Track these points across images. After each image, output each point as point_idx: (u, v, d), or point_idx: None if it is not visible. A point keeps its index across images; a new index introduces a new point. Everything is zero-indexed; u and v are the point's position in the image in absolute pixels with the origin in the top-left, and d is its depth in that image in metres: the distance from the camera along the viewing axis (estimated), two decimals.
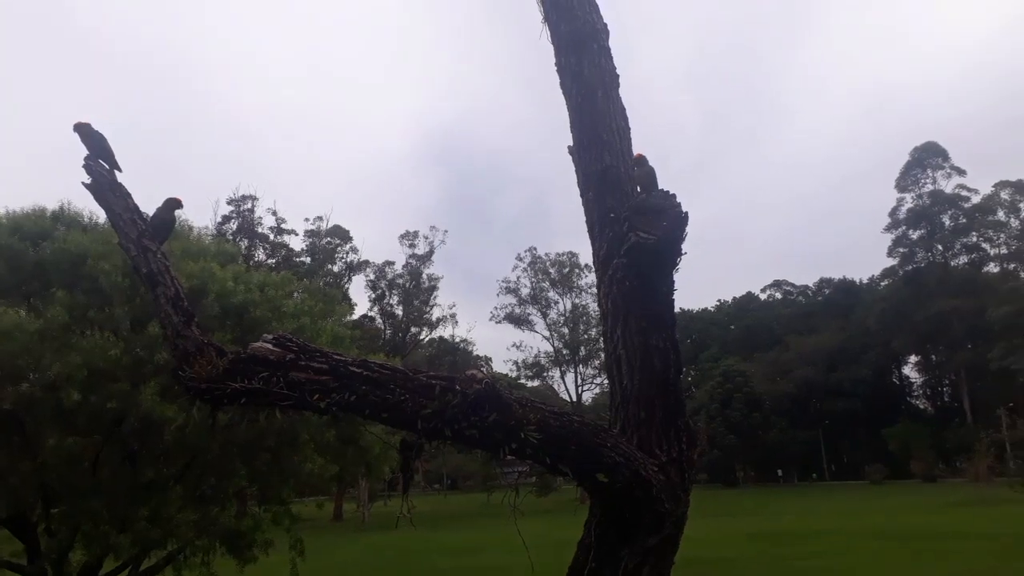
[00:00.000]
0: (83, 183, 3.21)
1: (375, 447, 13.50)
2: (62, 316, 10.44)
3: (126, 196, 3.20)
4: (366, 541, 35.21)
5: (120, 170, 3.25)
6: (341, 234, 60.82)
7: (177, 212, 3.51)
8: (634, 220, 3.28)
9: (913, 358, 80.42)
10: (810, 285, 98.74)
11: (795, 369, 77.41)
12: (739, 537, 25.15)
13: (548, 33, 3.95)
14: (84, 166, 3.19)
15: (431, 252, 63.31)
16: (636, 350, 3.60)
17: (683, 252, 3.40)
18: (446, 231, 70.39)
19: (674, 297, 3.59)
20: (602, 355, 64.29)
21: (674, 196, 3.36)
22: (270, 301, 12.16)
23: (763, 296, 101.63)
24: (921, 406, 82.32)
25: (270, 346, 3.08)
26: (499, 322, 68.66)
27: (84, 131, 3.17)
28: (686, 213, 3.31)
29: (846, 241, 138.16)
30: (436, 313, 63.77)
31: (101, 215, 12.95)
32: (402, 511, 3.53)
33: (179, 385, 3.01)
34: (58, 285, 11.12)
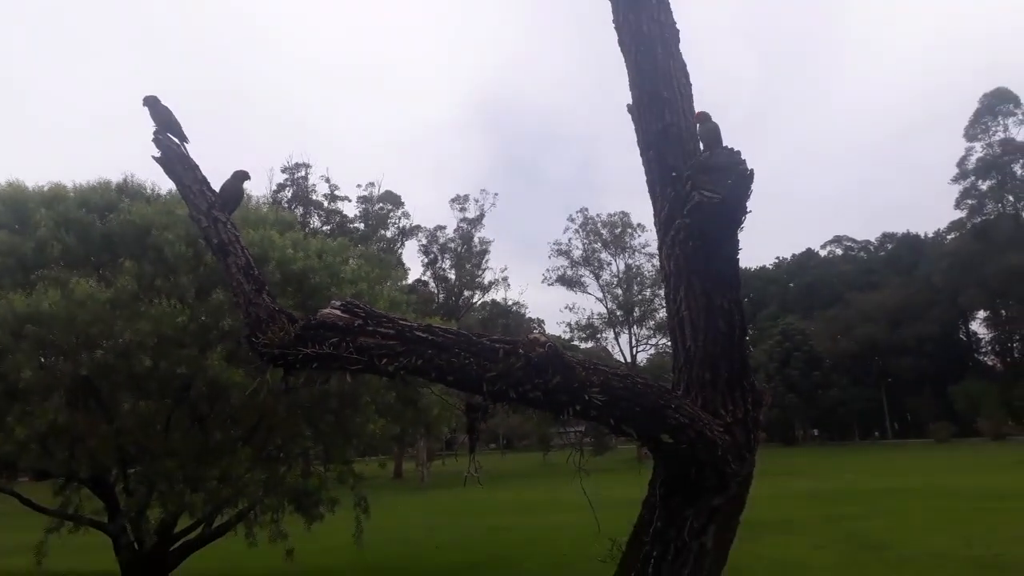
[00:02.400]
0: (153, 157, 3.28)
1: (433, 408, 13.74)
2: (131, 285, 10.81)
3: (194, 168, 3.27)
4: (426, 499, 36.06)
5: (188, 141, 3.32)
6: (393, 199, 61.26)
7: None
8: (697, 179, 3.22)
9: (982, 313, 77.63)
10: (872, 240, 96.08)
11: (857, 327, 75.63)
12: (798, 497, 24.97)
13: None
14: (153, 140, 3.27)
15: (482, 216, 63.37)
16: (700, 311, 3.56)
17: (748, 211, 3.34)
18: (496, 194, 70.42)
19: (739, 257, 3.53)
20: (657, 316, 64.00)
21: (739, 153, 3.28)
22: (328, 267, 12.38)
23: (823, 252, 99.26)
24: (990, 363, 79.71)
25: (339, 312, 3.14)
26: (551, 284, 68.67)
27: (152, 105, 3.24)
28: (751, 171, 3.23)
29: (910, 194, 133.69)
30: (488, 276, 64.01)
31: (163, 187, 13.32)
32: (469, 471, 3.59)
33: (253, 351, 3.10)
34: (125, 255, 11.50)
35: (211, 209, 3.19)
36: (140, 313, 10.58)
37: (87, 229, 11.80)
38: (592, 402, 3.19)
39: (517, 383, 3.19)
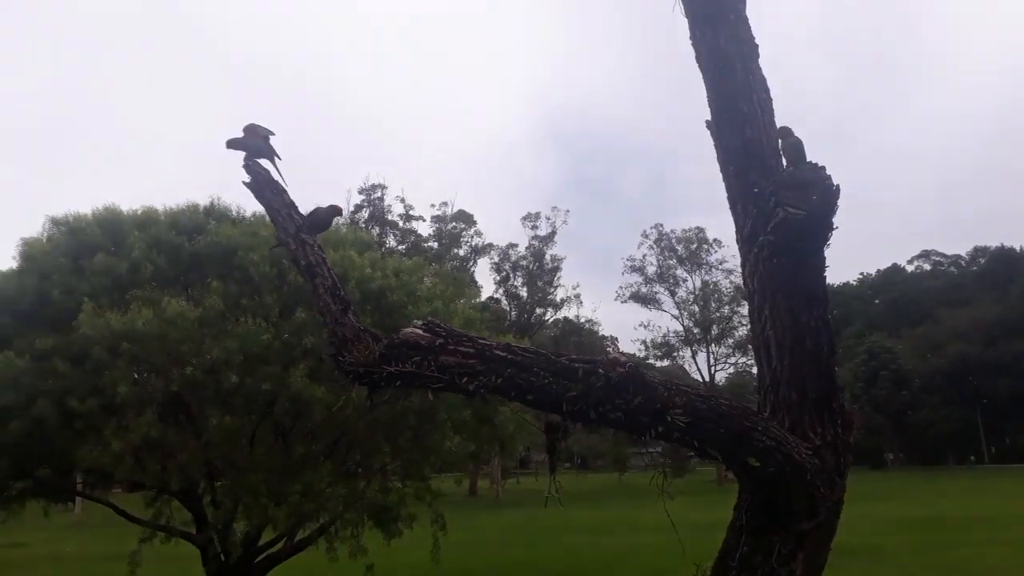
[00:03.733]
0: (243, 182, 3.42)
1: (509, 426, 13.77)
2: (218, 304, 11.24)
3: (283, 192, 3.39)
4: (501, 517, 36.06)
5: (280, 158, 3.44)
6: (465, 218, 61.99)
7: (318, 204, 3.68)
8: (781, 195, 3.15)
9: None
10: (962, 255, 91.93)
11: (947, 344, 72.23)
12: (888, 523, 23.91)
13: (680, 7, 3.83)
14: (244, 166, 3.41)
15: (553, 233, 63.44)
16: (786, 330, 3.46)
17: (834, 227, 3.25)
18: (568, 211, 69.95)
19: (825, 274, 3.43)
20: (736, 334, 62.56)
21: (823, 168, 3.20)
22: (405, 286, 12.60)
23: (910, 268, 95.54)
24: None
25: (420, 331, 3.19)
26: (624, 301, 67.96)
27: (249, 131, 3.39)
28: (837, 186, 3.15)
29: (1002, 205, 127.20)
30: (560, 294, 63.94)
31: (248, 209, 13.82)
32: (549, 491, 3.58)
33: (339, 370, 3.17)
34: (213, 275, 11.97)
35: (299, 232, 3.29)
36: (227, 331, 10.99)
37: (177, 250, 12.34)
38: (675, 424, 3.14)
39: (597, 403, 3.16)
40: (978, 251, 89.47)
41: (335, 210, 3.50)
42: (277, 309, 11.61)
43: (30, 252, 12.31)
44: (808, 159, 3.40)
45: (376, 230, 53.99)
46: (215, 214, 13.51)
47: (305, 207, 3.53)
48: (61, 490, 14.41)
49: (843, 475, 3.68)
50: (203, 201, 13.75)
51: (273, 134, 3.41)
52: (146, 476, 11.66)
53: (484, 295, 58.57)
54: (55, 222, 12.95)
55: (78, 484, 14.62)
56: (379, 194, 57.96)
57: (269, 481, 11.33)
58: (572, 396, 3.17)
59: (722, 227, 68.77)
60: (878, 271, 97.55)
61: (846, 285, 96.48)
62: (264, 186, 3.37)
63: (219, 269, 12.06)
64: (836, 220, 3.25)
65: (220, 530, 11.81)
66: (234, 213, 13.73)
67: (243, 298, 11.64)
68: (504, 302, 64.26)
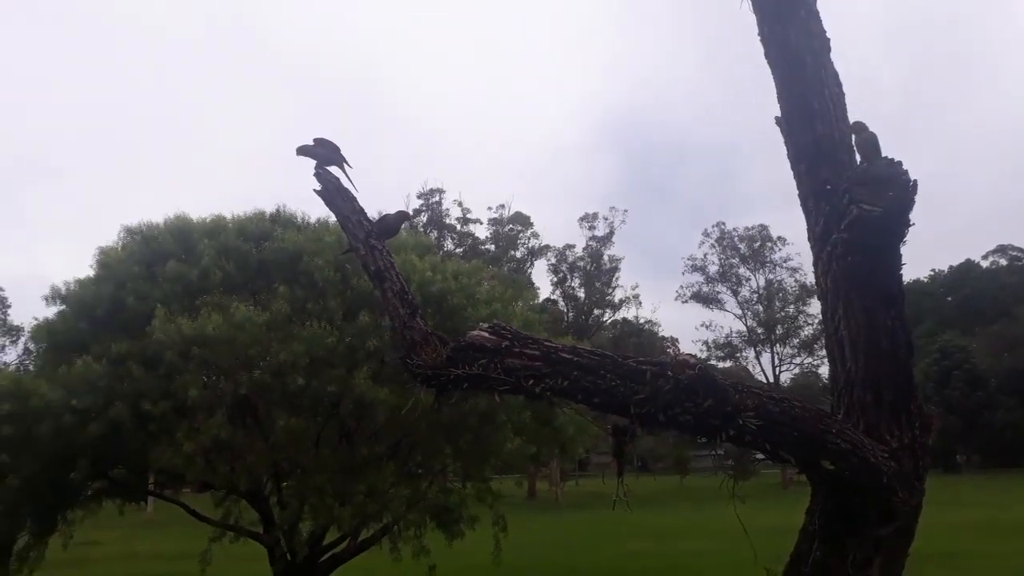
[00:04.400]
0: (314, 190, 3.50)
1: (569, 428, 13.73)
2: (285, 309, 11.51)
3: (352, 200, 3.46)
4: (561, 520, 35.95)
5: (351, 166, 3.51)
6: (522, 220, 62.01)
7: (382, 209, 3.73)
8: (855, 192, 3.07)
9: None
10: None
11: None
12: (964, 528, 23.02)
13: (749, 2, 3.76)
14: (315, 174, 3.50)
15: (611, 233, 62.88)
16: (860, 330, 3.37)
17: (911, 223, 3.15)
18: (626, 211, 69.05)
19: (901, 272, 3.33)
20: (802, 333, 61.06)
21: (900, 163, 3.10)
22: (464, 289, 12.69)
23: (984, 263, 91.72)
24: None
25: (486, 334, 3.21)
26: (685, 302, 66.82)
27: (319, 144, 3.47)
28: (915, 181, 3.06)
29: None
30: (619, 294, 63.35)
31: (312, 215, 14.10)
32: (617, 494, 3.55)
33: (408, 372, 3.22)
34: (279, 281, 12.26)
35: (368, 238, 3.35)
36: (293, 335, 11.24)
37: (245, 257, 12.68)
38: (746, 427, 3.09)
39: (666, 406, 3.13)
40: None
41: (403, 216, 3.56)
42: (341, 313, 11.83)
43: (106, 260, 12.81)
44: (883, 154, 3.31)
45: (434, 233, 54.50)
46: (281, 221, 13.84)
47: (367, 212, 3.60)
48: (135, 490, 14.94)
49: (922, 479, 3.57)
50: (269, 208, 14.12)
51: (336, 150, 3.47)
52: (215, 477, 12.01)
53: (541, 297, 58.60)
54: (129, 231, 13.45)
55: (151, 484, 15.13)
56: (437, 198, 58.49)
57: (334, 482, 11.54)
58: (640, 399, 3.15)
59: (787, 224, 67.41)
60: (950, 267, 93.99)
61: (916, 282, 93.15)
62: (335, 193, 3.44)
63: (285, 274, 12.34)
64: (912, 217, 3.15)
65: (286, 530, 12.08)
66: (299, 220, 14.04)
67: (308, 302, 11.88)
68: (561, 303, 64.09)
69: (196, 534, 14.45)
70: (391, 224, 3.51)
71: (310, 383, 11.10)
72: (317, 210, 14.53)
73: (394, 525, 12.83)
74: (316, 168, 3.47)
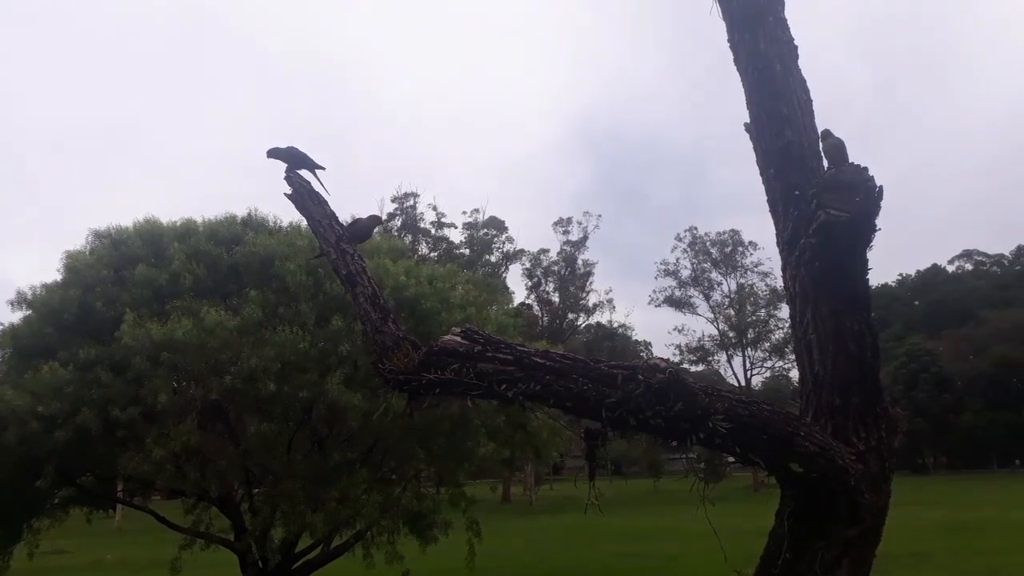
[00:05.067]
0: (285, 194, 3.47)
1: (543, 432, 13.74)
2: (256, 314, 11.38)
3: (324, 203, 3.43)
4: (535, 524, 35.94)
5: (323, 168, 3.48)
6: (497, 225, 62.04)
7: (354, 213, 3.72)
8: (823, 197, 3.12)
9: None
10: (1006, 254, 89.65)
11: (991, 346, 70.49)
12: (932, 528, 23.40)
13: (718, 9, 3.80)
14: (285, 178, 3.46)
15: (585, 238, 63.20)
16: (828, 334, 3.42)
17: (877, 228, 3.20)
18: (599, 216, 69.64)
19: (868, 276, 3.38)
20: (773, 337, 61.73)
21: (866, 169, 3.16)
22: (438, 293, 12.65)
23: (951, 268, 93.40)
24: None
25: (459, 338, 3.21)
26: (658, 306, 67.35)
27: (281, 152, 3.44)
28: (880, 187, 3.11)
29: None
30: (592, 299, 63.66)
31: (284, 219, 13.98)
32: (589, 498, 3.56)
33: (380, 377, 3.20)
34: (251, 285, 12.14)
35: (339, 241, 3.33)
36: (265, 340, 11.13)
37: (216, 261, 12.53)
38: (716, 430, 3.11)
39: (637, 410, 3.15)
40: (1022, 250, 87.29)
41: (375, 220, 3.55)
42: (313, 317, 11.73)
43: (73, 264, 12.59)
44: (850, 160, 3.36)
45: (408, 238, 54.31)
46: (253, 224, 13.70)
47: (339, 216, 3.57)
48: (103, 497, 14.70)
49: (888, 480, 3.62)
50: (241, 212, 13.97)
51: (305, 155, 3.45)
52: (186, 483, 11.84)
53: (516, 301, 58.60)
54: (98, 235, 13.25)
55: (119, 492, 14.89)
56: (411, 202, 58.30)
57: (306, 488, 11.44)
58: (612, 402, 3.16)
59: (758, 229, 68.13)
60: (918, 272, 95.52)
61: (884, 286, 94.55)
62: (305, 197, 3.42)
63: (257, 279, 12.22)
64: (878, 222, 3.20)
65: (258, 537, 11.94)
66: (271, 223, 13.92)
67: (280, 307, 11.77)
68: (536, 308, 64.17)
69: (165, 542, 14.24)
70: (363, 228, 3.49)
71: (282, 388, 10.99)
72: (289, 214, 14.42)
73: (367, 531, 12.73)
74: (287, 172, 3.45)
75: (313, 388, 11.08)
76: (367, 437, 12.29)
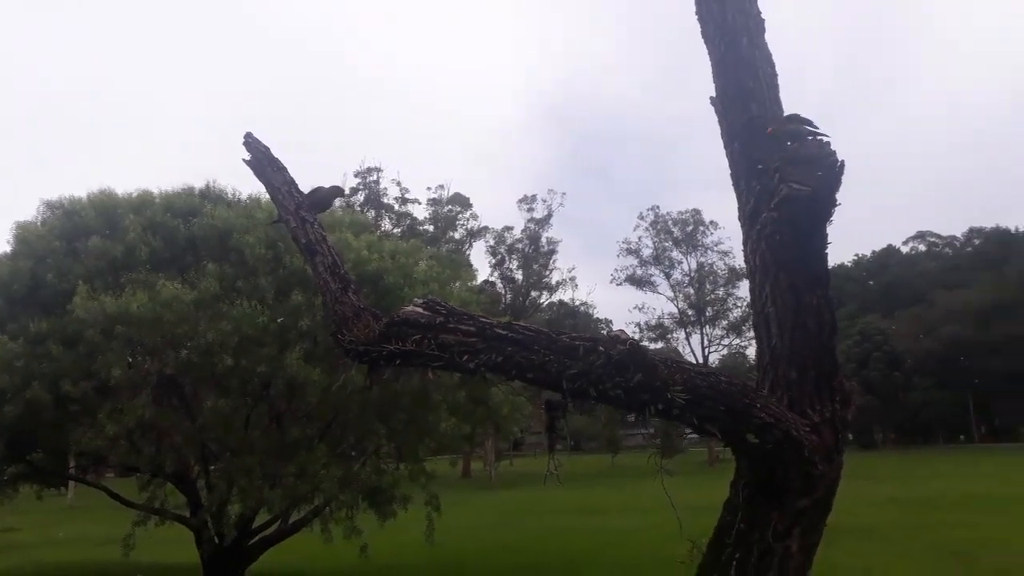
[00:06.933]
0: (243, 159, 3.39)
1: (503, 407, 13.80)
2: (214, 287, 11.19)
3: (283, 170, 3.36)
4: (494, 498, 36.23)
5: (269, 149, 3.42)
6: (461, 201, 61.73)
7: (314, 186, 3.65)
8: (785, 171, 3.13)
9: None
10: (958, 236, 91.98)
11: (941, 326, 72.48)
12: (880, 502, 24.12)
13: None
14: (244, 143, 3.38)
15: (549, 216, 63.20)
16: (787, 308, 3.45)
17: (838, 203, 3.23)
18: (564, 194, 69.66)
19: (827, 252, 3.42)
20: (730, 316, 62.66)
21: (829, 144, 3.18)
22: (401, 268, 12.57)
23: (905, 249, 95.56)
24: None
25: (421, 309, 3.18)
26: (620, 284, 67.81)
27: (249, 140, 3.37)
28: (842, 162, 3.13)
29: (998, 188, 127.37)
30: (555, 277, 63.82)
31: (244, 191, 13.74)
32: (549, 469, 3.58)
33: (339, 347, 3.16)
34: (208, 258, 11.92)
35: (299, 209, 3.27)
36: (222, 314, 10.95)
37: (172, 233, 12.26)
38: (675, 401, 3.13)
39: (598, 381, 3.15)
40: (973, 232, 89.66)
41: (336, 191, 3.49)
42: (273, 291, 11.57)
43: (24, 235, 12.24)
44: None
45: (372, 213, 53.76)
46: (211, 196, 13.43)
47: (301, 189, 3.50)
48: (54, 474, 14.42)
49: (841, 452, 3.68)
50: (199, 184, 13.68)
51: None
52: (140, 459, 11.66)
53: (480, 278, 58.52)
54: (50, 205, 12.87)
55: (71, 468, 14.61)
56: (375, 177, 57.65)
57: (264, 463, 11.34)
58: (572, 374, 3.17)
59: (719, 208, 68.77)
60: (873, 252, 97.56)
61: (840, 266, 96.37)
62: (264, 163, 3.34)
63: (215, 252, 12.00)
64: (838, 197, 3.23)
65: (214, 513, 11.83)
66: (230, 195, 13.66)
67: (238, 280, 11.59)
68: (499, 285, 64.17)
69: (119, 519, 14.02)
70: (324, 197, 3.43)
71: (239, 363, 10.84)
72: (249, 186, 14.19)
73: (325, 506, 12.70)
74: (246, 136, 3.37)
75: (272, 363, 10.95)
76: (326, 412, 12.21)
